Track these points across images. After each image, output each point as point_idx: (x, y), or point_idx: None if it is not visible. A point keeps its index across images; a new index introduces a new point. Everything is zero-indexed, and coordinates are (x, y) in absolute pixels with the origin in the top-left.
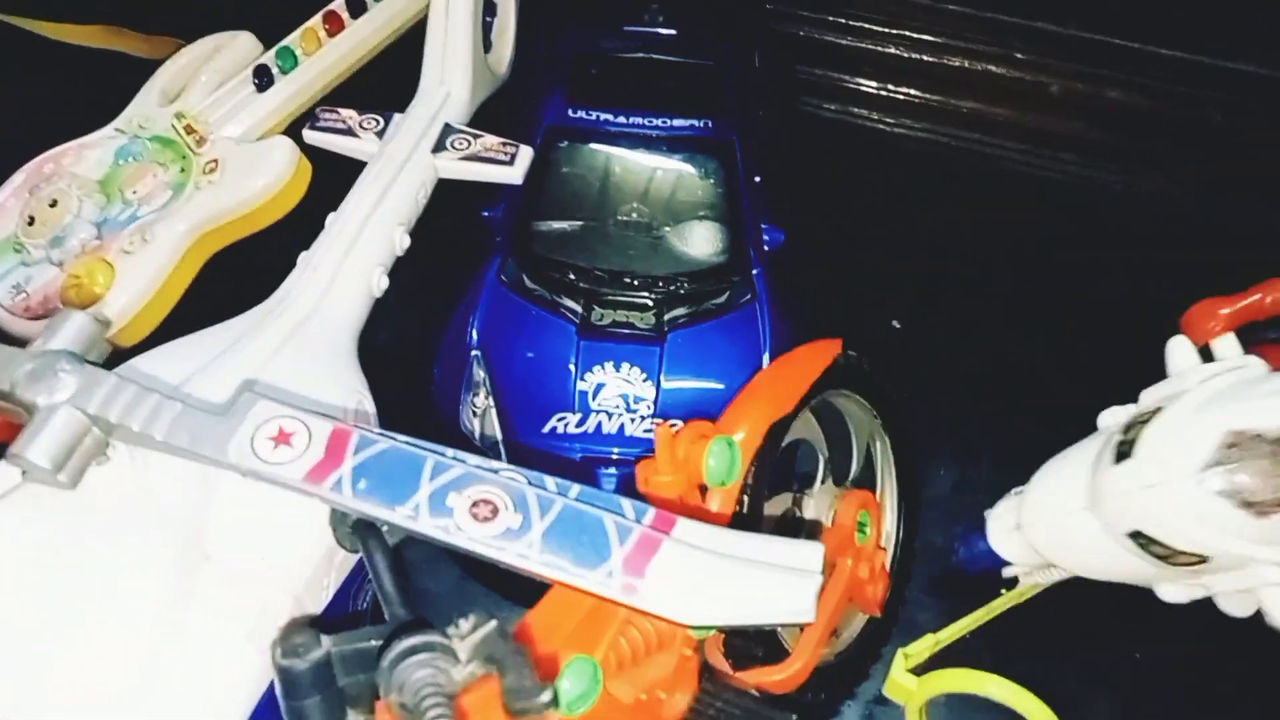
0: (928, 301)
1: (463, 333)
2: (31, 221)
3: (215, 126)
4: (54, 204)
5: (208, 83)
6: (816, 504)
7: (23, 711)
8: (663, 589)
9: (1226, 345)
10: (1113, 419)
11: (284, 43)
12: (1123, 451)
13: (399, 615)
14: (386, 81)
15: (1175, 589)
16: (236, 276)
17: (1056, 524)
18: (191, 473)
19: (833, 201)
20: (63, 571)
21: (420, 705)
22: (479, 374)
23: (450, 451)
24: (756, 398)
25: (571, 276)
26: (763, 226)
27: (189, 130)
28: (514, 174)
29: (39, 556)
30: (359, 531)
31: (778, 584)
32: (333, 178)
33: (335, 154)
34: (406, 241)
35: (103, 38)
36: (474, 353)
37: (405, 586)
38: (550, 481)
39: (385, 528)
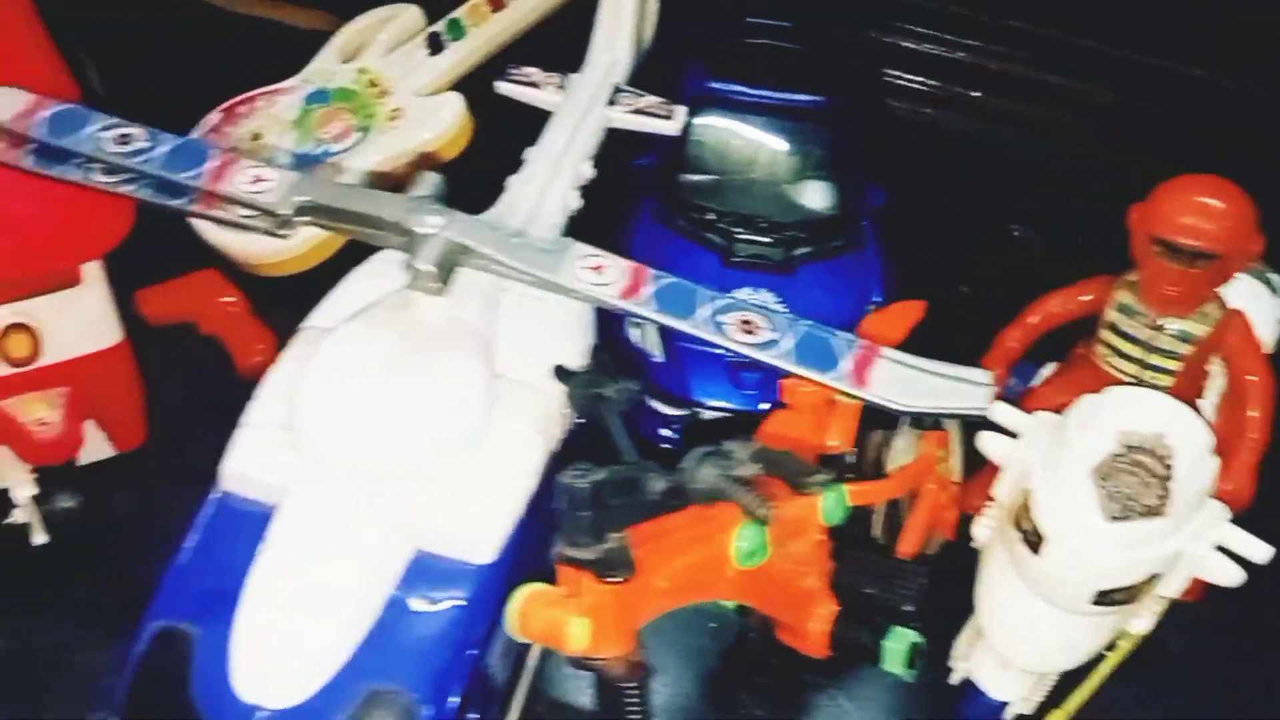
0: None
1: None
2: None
3: (394, 82)
4: (256, 137)
5: (382, 46)
6: (903, 443)
7: (365, 466)
8: (882, 386)
9: (1005, 415)
10: (984, 530)
11: (453, 15)
12: (1032, 541)
13: (636, 459)
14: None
15: (1142, 619)
16: None
17: (1036, 638)
18: (485, 306)
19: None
20: (407, 366)
21: (726, 488)
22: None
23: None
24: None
25: (711, 217)
26: (868, 187)
27: (372, 84)
28: (672, 128)
29: (386, 352)
30: (595, 399)
31: (964, 387)
32: None
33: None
34: (590, 171)
35: (262, 7)
36: None
37: (638, 440)
38: (784, 318)
39: (613, 394)
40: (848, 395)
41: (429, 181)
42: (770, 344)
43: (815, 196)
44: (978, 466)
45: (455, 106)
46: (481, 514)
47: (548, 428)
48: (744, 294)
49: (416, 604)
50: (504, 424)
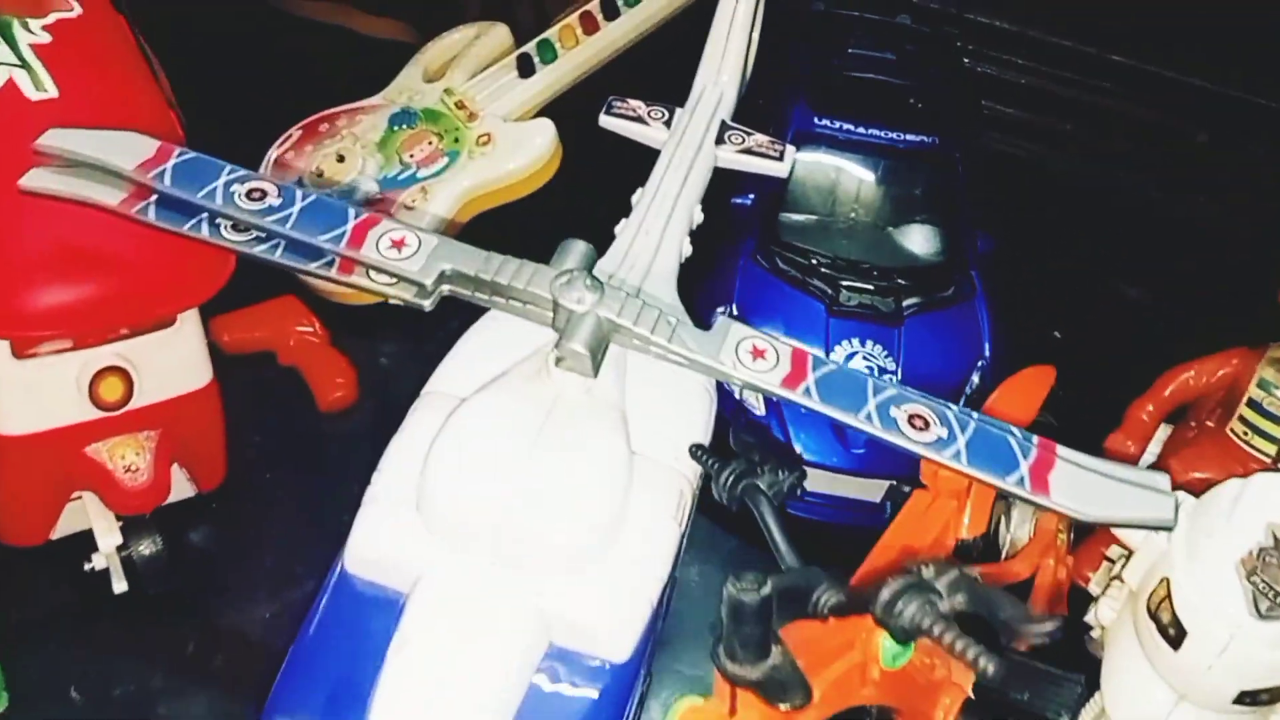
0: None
1: (720, 303)
2: (320, 174)
3: (483, 105)
4: (341, 159)
5: (469, 66)
6: (1019, 515)
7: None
8: (1064, 493)
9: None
10: (1109, 612)
11: (544, 36)
12: (1172, 636)
13: (795, 563)
14: None
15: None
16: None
17: None
18: (618, 375)
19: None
20: (548, 444)
21: (930, 627)
22: None
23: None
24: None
25: (816, 262)
26: (975, 233)
27: (459, 106)
28: (782, 168)
29: (525, 427)
30: (747, 490)
31: (1147, 495)
32: None
33: None
34: (700, 216)
35: (336, 13)
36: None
37: (794, 539)
38: (952, 410)
39: (767, 486)
40: (1029, 503)
41: (576, 252)
42: (943, 442)
43: (922, 242)
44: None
45: (547, 134)
46: (620, 611)
47: (682, 513)
48: (850, 346)
49: (548, 701)
50: (640, 509)
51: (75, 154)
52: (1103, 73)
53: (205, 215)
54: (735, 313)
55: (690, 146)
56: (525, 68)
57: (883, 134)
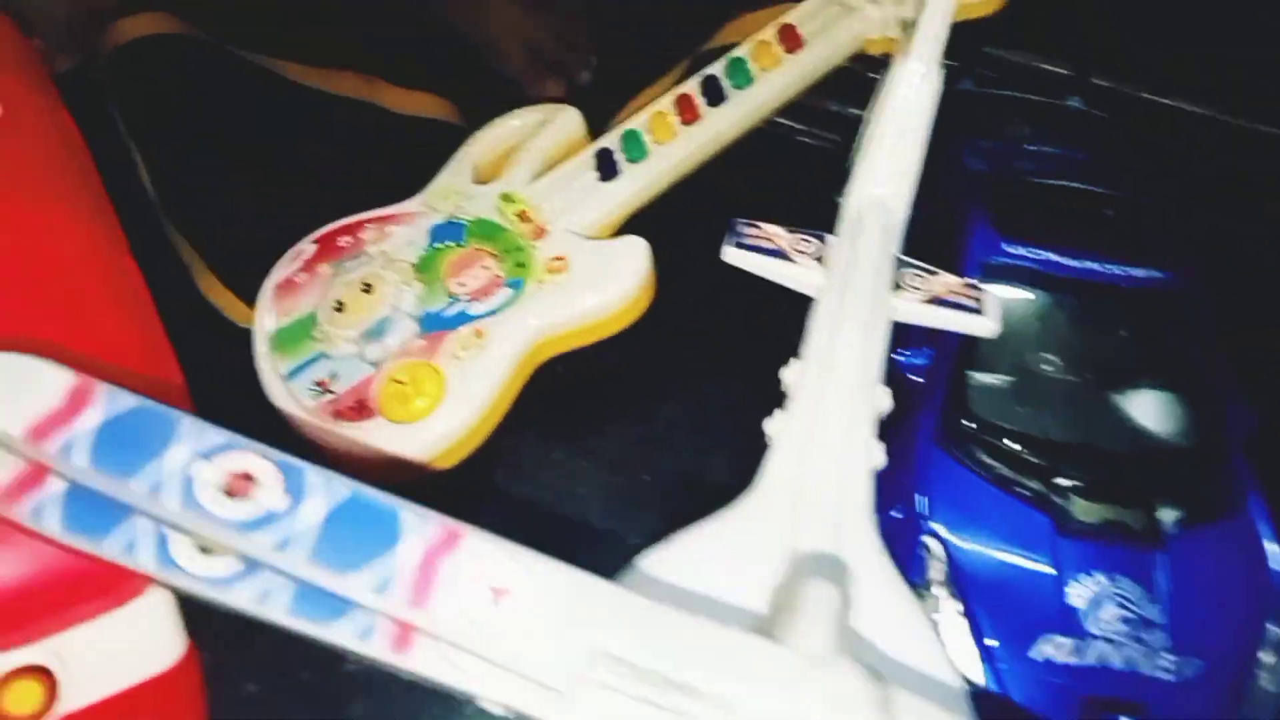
0: None
1: (900, 500)
2: (340, 307)
3: (552, 216)
4: (367, 289)
5: (532, 163)
6: None
7: None
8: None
9: None
10: None
11: (630, 125)
12: None
13: None
14: None
15: None
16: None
17: None
18: None
19: None
20: None
21: None
22: (936, 564)
23: None
24: None
25: (1025, 448)
26: (1231, 404)
27: (523, 218)
28: (988, 326)
29: None
30: None
31: None
32: None
33: None
34: (889, 401)
35: (358, 87)
36: (924, 538)
37: None
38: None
39: None
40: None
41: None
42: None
43: (1161, 416)
44: None
45: (639, 257)
46: None
47: None
48: (1096, 584)
49: None
50: None
51: None
52: None
53: (145, 521)
54: (926, 514)
55: (861, 297)
56: (606, 168)
57: (1100, 266)
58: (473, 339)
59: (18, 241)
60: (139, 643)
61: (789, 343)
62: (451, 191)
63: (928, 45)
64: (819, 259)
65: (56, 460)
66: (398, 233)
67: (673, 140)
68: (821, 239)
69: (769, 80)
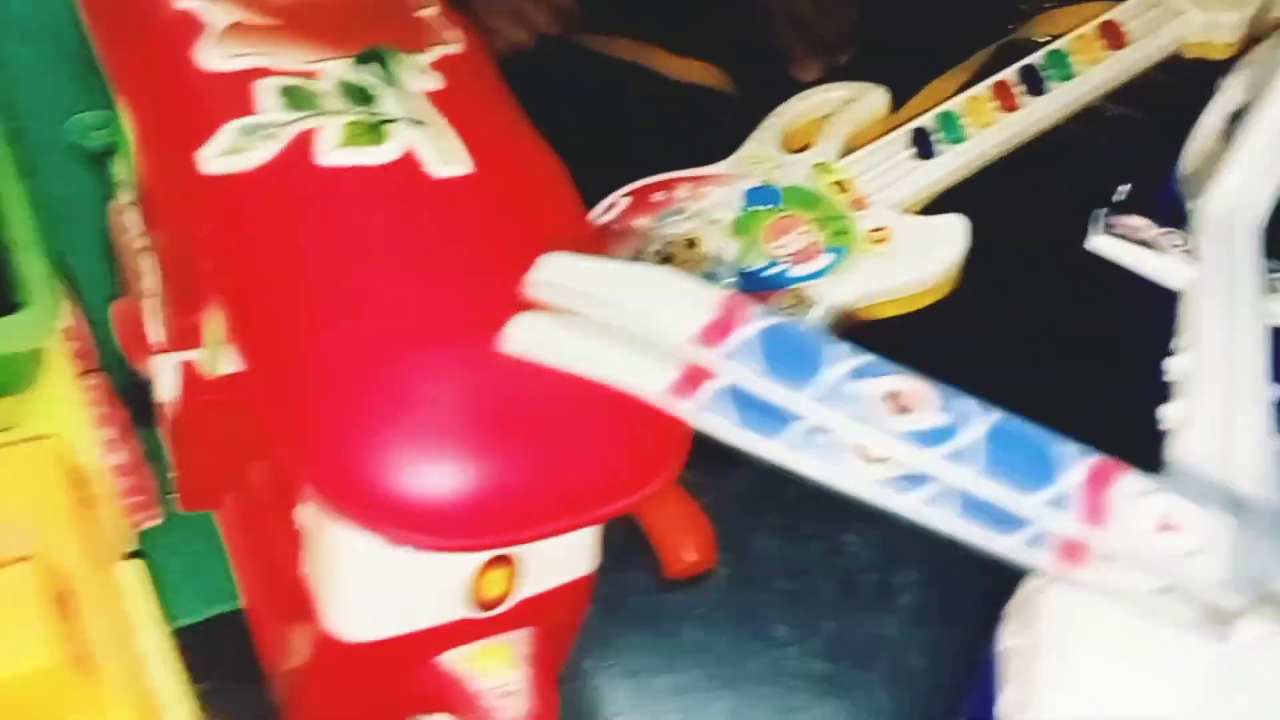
0: None
1: None
2: (669, 259)
3: (869, 190)
4: (691, 244)
5: (840, 136)
6: None
7: None
8: None
9: None
10: None
11: (947, 107)
12: None
13: None
14: None
15: None
16: None
17: None
18: None
19: None
20: None
21: None
22: None
23: None
24: None
25: None
26: None
27: (840, 188)
28: None
29: None
30: None
31: None
32: None
33: None
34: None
35: (635, 51)
36: None
37: None
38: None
39: None
40: None
41: None
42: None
43: None
44: None
45: (961, 235)
46: None
47: None
48: None
49: None
50: None
51: (587, 302)
52: None
53: (800, 426)
54: None
55: (1248, 292)
56: (923, 147)
57: None
58: (792, 300)
59: (534, 171)
60: (577, 546)
61: None
62: (761, 158)
63: None
64: (1186, 253)
65: (728, 365)
66: (713, 192)
67: (990, 126)
68: (1181, 236)
69: (1088, 75)
